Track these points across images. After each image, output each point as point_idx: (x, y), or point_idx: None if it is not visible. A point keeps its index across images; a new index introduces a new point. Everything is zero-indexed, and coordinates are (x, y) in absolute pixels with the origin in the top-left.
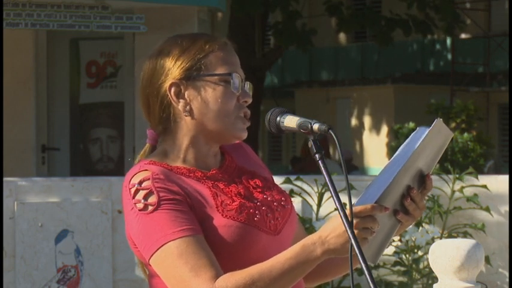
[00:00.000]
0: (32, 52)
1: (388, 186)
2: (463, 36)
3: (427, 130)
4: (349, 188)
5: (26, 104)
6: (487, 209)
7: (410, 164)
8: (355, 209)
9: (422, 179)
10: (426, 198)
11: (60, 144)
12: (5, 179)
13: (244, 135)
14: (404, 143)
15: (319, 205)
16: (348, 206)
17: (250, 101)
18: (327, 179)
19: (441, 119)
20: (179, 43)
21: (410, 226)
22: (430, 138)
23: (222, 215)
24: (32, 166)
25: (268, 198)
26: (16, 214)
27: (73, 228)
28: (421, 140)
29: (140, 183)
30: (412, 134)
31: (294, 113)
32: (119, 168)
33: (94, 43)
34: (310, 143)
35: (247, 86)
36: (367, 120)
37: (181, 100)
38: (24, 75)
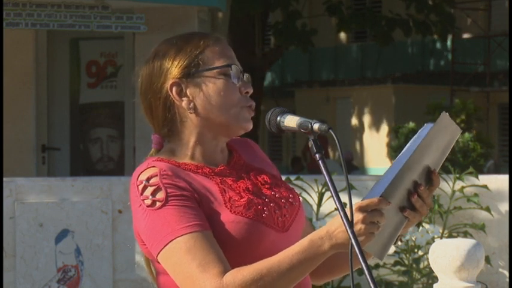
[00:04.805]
0: (32, 52)
1: (392, 181)
2: (463, 36)
3: (433, 124)
4: (349, 187)
5: (26, 104)
6: (487, 209)
7: (415, 159)
8: (362, 203)
9: (429, 176)
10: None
11: (60, 144)
12: (5, 179)
13: (250, 125)
14: (412, 139)
15: (319, 205)
16: (348, 206)
17: (251, 91)
18: (327, 178)
19: (447, 113)
20: (174, 43)
21: None
22: (436, 133)
23: (230, 210)
24: (32, 166)
25: (276, 195)
26: (16, 214)
27: (73, 228)
28: (426, 134)
29: (148, 179)
30: (419, 131)
31: (294, 113)
32: (119, 168)
33: (94, 43)
34: (310, 143)
35: (246, 77)
36: (367, 120)
37: (184, 98)
38: (24, 75)
